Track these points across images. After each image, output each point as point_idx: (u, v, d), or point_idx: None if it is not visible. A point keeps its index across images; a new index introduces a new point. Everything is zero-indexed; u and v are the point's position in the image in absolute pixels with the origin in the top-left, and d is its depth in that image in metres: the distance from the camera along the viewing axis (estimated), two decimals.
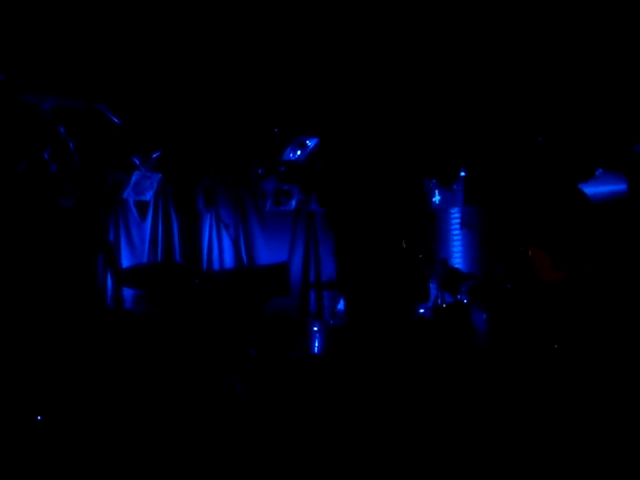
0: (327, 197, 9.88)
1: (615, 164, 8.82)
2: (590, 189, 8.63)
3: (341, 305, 9.10)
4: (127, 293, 8.82)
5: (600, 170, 8.91)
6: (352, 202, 9.81)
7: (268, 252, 9.88)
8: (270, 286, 8.38)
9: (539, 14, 7.28)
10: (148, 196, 9.08)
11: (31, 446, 5.52)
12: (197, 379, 7.06)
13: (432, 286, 9.30)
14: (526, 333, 8.27)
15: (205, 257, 9.61)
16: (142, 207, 9.20)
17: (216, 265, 9.61)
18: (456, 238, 10.17)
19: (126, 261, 9.04)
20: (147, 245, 9.24)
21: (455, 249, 10.18)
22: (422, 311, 8.95)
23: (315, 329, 8.79)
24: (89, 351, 7.11)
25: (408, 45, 7.71)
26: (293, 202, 9.83)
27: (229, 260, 9.70)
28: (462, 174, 9.78)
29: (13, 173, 7.94)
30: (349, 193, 9.77)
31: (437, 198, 10.05)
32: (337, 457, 5.45)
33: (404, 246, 8.86)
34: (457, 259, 10.13)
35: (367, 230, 9.43)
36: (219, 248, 9.64)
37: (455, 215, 10.19)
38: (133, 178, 8.81)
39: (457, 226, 10.16)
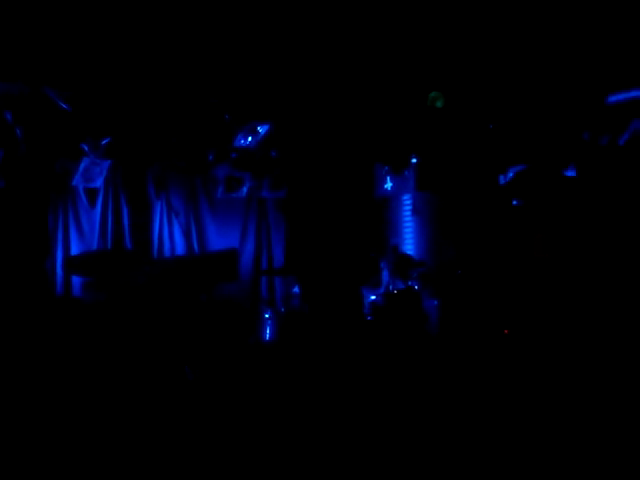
0: (279, 183, 9.85)
1: (564, 151, 8.91)
2: None
3: (295, 291, 9.09)
4: (77, 281, 8.73)
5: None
6: (303, 188, 9.81)
7: (219, 239, 9.81)
8: (219, 272, 8.35)
9: (487, 5, 7.34)
10: (98, 183, 8.98)
11: None
12: (147, 366, 7.01)
13: (384, 273, 9.32)
14: (476, 318, 8.34)
15: (156, 244, 9.52)
16: (92, 194, 9.09)
17: (167, 252, 9.52)
18: (407, 225, 10.19)
19: (75, 248, 8.93)
20: (97, 232, 9.13)
21: (407, 235, 10.20)
22: (374, 297, 8.98)
23: (267, 316, 8.77)
24: (36, 339, 7.03)
25: (358, 33, 7.71)
26: (245, 189, 9.77)
27: (180, 247, 9.62)
28: (413, 161, 9.79)
29: None
30: (301, 179, 9.77)
31: (389, 185, 10.05)
32: (285, 443, 5.46)
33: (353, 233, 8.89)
34: (409, 245, 10.15)
35: (317, 216, 9.45)
36: (170, 235, 9.55)
37: (407, 202, 10.20)
38: (82, 165, 8.70)
39: (409, 213, 10.18)
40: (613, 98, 8.29)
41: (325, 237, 9.40)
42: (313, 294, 8.52)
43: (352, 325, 8.36)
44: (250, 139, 9.36)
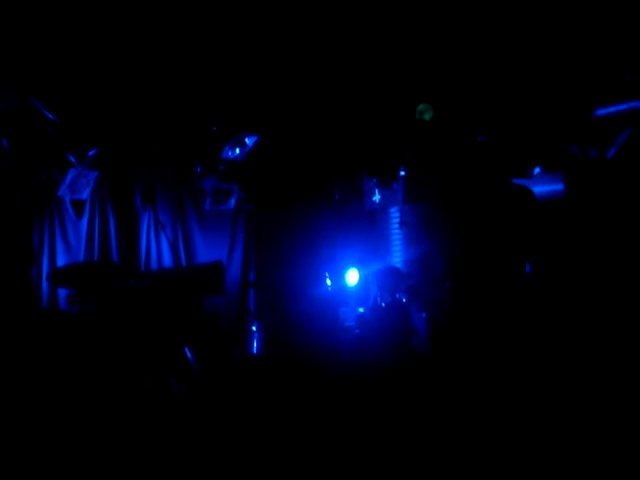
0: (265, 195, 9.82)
1: (553, 164, 8.90)
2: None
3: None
4: (63, 293, 8.67)
5: (538, 170, 8.99)
6: (283, 201, 9.77)
7: (207, 252, 9.76)
8: (205, 285, 8.29)
9: (477, 13, 7.33)
10: (85, 194, 8.92)
11: None
12: (133, 379, 6.96)
13: (372, 285, 9.29)
14: (465, 332, 8.31)
15: (143, 257, 9.47)
16: (78, 205, 9.05)
17: (154, 265, 9.47)
18: (395, 237, 10.17)
19: (62, 260, 8.89)
20: (84, 244, 9.09)
21: (395, 248, 10.18)
22: (362, 310, 8.94)
23: (254, 329, 8.71)
24: (21, 352, 6.96)
25: (346, 45, 7.71)
26: (232, 201, 9.72)
27: (168, 260, 9.56)
28: (402, 173, 9.78)
29: None
30: (287, 190, 9.74)
31: (377, 197, 10.03)
32: (273, 458, 5.41)
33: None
34: (397, 258, 10.12)
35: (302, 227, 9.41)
36: (157, 248, 9.50)
37: (395, 214, 10.18)
38: (69, 176, 8.67)
39: (396, 225, 10.16)
40: (601, 111, 8.30)
41: (311, 249, 9.36)
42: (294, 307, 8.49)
43: (335, 337, 8.34)
44: (238, 151, 9.33)
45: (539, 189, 8.83)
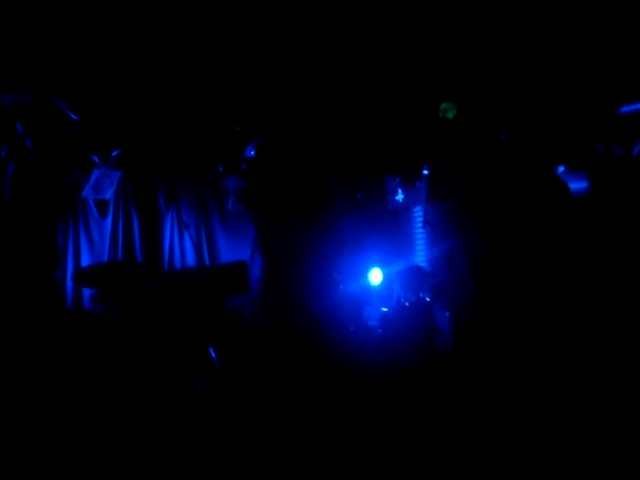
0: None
1: (577, 162, 8.85)
2: None
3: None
4: (87, 293, 8.70)
5: (562, 168, 8.94)
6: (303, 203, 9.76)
7: (230, 251, 9.78)
8: (229, 284, 8.29)
9: (500, 10, 7.29)
10: (108, 195, 8.96)
11: None
12: (157, 379, 6.98)
13: (395, 284, 9.27)
14: (490, 332, 8.26)
15: (167, 256, 9.50)
16: (102, 206, 9.08)
17: (178, 265, 9.50)
18: (419, 236, 10.16)
19: (86, 260, 8.92)
20: (107, 244, 9.11)
21: (418, 247, 10.17)
22: (385, 309, 8.92)
23: None
24: (47, 352, 6.99)
25: (368, 42, 7.69)
26: None
27: (191, 259, 9.58)
28: (425, 172, 9.76)
29: None
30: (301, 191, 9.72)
31: (400, 196, 10.03)
32: (296, 459, 5.40)
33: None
34: (420, 257, 10.11)
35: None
36: (181, 247, 9.53)
37: (418, 213, 10.17)
38: (93, 176, 8.70)
39: (420, 224, 10.14)
40: (625, 108, 8.24)
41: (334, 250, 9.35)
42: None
43: (358, 337, 8.31)
44: None
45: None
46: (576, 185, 8.79)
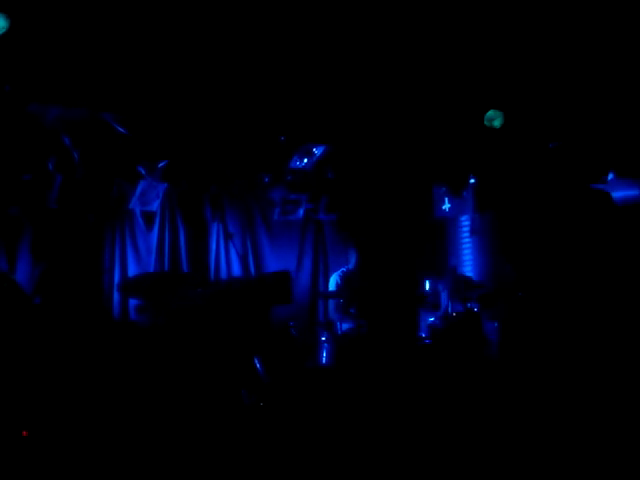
0: (337, 205, 9.82)
1: (627, 169, 8.72)
2: None
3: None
4: (134, 303, 8.73)
5: (612, 175, 8.81)
6: (361, 210, 9.74)
7: (276, 262, 9.77)
8: (273, 294, 8.26)
9: (550, 18, 7.20)
10: (154, 206, 8.99)
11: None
12: (203, 390, 6.98)
13: (442, 295, 9.20)
14: (538, 342, 8.16)
15: (213, 267, 9.50)
16: (148, 217, 9.11)
17: (224, 275, 9.49)
18: (466, 246, 10.09)
19: (133, 271, 8.96)
20: (154, 255, 9.13)
21: (465, 257, 10.10)
22: (432, 320, 8.85)
23: (323, 339, 8.67)
24: (95, 363, 7.02)
25: (417, 52, 7.64)
26: (301, 211, 9.75)
27: (237, 270, 9.56)
28: (472, 181, 9.70)
29: (18, 183, 7.89)
30: (359, 201, 9.70)
31: (447, 206, 9.97)
32: (344, 471, 5.37)
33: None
34: (467, 267, 10.03)
35: (373, 237, 9.36)
36: (226, 258, 9.53)
37: (465, 223, 10.11)
38: (139, 188, 8.73)
39: (467, 234, 10.09)
40: None
41: (382, 259, 9.30)
42: (370, 317, 8.42)
43: (409, 348, 8.25)
44: (306, 161, 9.33)
45: (613, 195, 8.67)
46: (626, 192, 8.67)
